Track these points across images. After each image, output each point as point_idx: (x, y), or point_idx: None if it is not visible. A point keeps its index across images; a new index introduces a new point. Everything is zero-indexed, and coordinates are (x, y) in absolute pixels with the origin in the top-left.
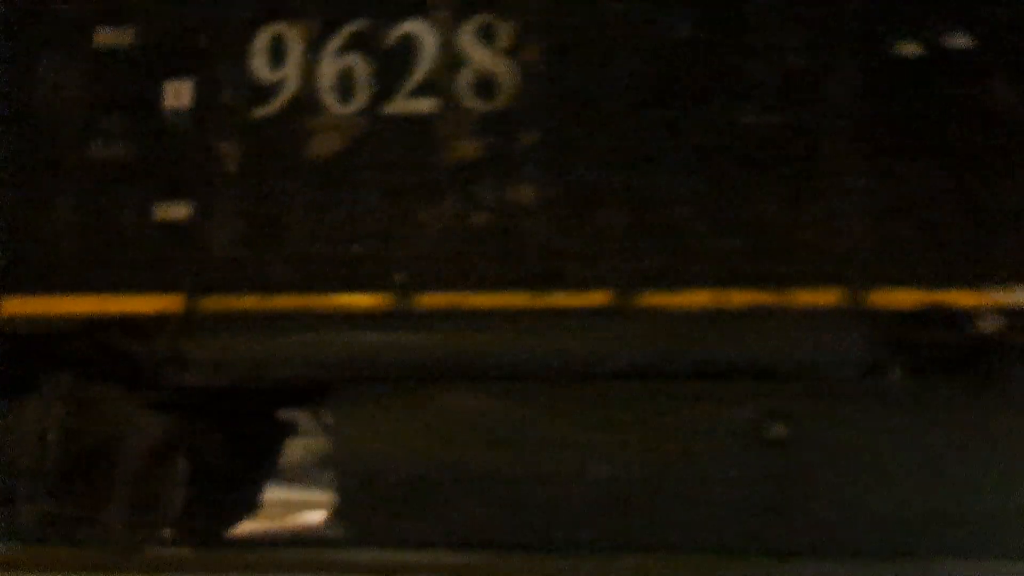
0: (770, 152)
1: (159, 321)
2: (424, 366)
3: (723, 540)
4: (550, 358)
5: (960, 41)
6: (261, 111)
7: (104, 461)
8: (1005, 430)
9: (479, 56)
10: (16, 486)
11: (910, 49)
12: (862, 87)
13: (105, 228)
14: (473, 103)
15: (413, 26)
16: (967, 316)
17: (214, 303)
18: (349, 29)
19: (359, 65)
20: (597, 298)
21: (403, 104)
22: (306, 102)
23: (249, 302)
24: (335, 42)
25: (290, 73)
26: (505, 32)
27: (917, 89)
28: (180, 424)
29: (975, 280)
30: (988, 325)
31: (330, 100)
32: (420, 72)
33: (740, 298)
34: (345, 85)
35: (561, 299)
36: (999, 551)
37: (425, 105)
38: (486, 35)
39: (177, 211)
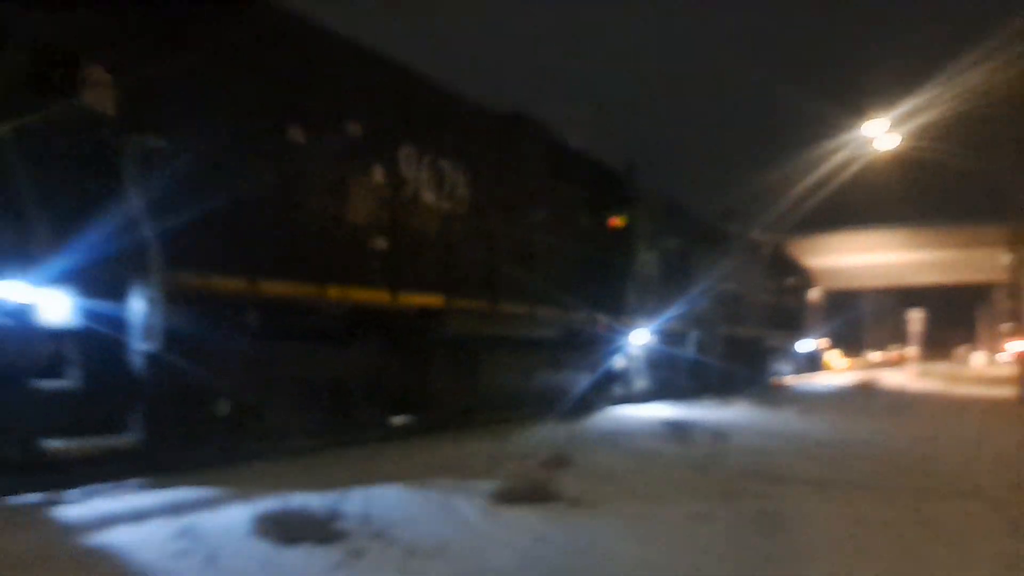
0: None
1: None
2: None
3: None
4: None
5: None
6: (403, 193)
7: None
8: None
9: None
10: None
11: None
12: None
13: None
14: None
15: (446, 164)
16: None
17: (457, 303)
18: (427, 157)
19: (431, 178)
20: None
21: (445, 204)
22: (418, 193)
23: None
24: (425, 161)
25: (413, 175)
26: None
27: None
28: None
29: None
30: None
31: (426, 194)
32: (446, 187)
33: None
34: (430, 186)
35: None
36: None
37: (447, 206)
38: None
39: (382, 243)
